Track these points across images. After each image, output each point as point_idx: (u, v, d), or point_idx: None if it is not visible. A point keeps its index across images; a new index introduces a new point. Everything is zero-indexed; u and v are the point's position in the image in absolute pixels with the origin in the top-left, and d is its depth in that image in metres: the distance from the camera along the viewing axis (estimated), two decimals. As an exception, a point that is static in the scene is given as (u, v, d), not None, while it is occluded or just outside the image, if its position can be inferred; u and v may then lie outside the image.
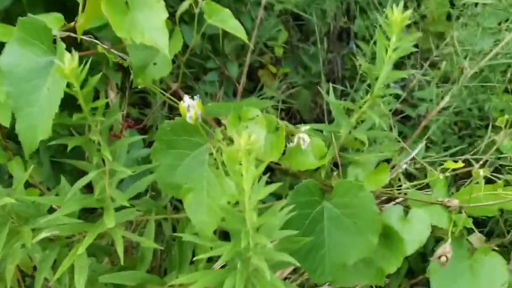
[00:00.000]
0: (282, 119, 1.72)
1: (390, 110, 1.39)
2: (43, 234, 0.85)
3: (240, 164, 0.62)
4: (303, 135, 0.80)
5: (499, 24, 1.42)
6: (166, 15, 0.68)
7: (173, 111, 1.36)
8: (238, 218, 0.68)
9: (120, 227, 1.00)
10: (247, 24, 1.58)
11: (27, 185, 1.08)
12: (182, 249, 1.04)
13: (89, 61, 0.66)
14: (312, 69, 1.69)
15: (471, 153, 1.45)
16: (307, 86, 1.81)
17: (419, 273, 1.34)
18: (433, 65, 1.64)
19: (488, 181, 0.97)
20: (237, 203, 0.68)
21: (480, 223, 1.31)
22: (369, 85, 1.55)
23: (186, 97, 0.70)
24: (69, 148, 0.71)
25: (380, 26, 0.73)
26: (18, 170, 1.01)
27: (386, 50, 0.79)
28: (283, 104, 1.64)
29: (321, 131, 0.93)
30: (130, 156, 1.21)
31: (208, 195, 0.77)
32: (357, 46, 1.74)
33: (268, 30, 1.64)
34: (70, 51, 0.71)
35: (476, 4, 1.46)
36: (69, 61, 0.63)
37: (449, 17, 1.73)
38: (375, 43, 1.60)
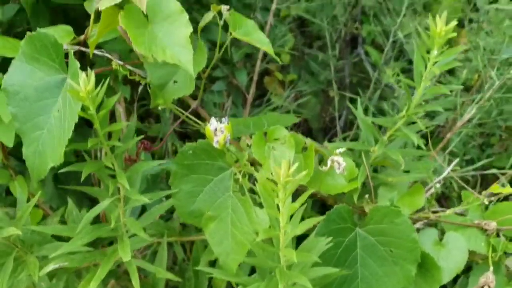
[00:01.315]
0: (291, 129, 1.65)
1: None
2: (51, 267, 0.78)
3: (277, 196, 0.55)
4: (338, 158, 0.73)
5: (523, 31, 1.36)
6: (191, 29, 0.61)
7: (184, 123, 1.30)
8: (270, 255, 0.61)
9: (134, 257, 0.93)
10: (256, 31, 1.52)
11: (30, 205, 1.01)
12: (197, 276, 0.97)
13: (107, 81, 0.59)
14: (320, 76, 1.63)
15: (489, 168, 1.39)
16: (316, 93, 1.75)
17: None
18: (448, 72, 1.59)
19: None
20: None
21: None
22: (381, 94, 1.50)
23: (213, 120, 0.63)
24: (83, 176, 0.64)
25: (419, 36, 0.67)
26: (22, 192, 0.94)
27: (425, 64, 0.73)
28: (294, 114, 1.58)
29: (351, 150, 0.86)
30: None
31: (233, 224, 0.70)
32: (365, 52, 1.68)
33: (279, 37, 1.58)
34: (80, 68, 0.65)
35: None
36: (85, 81, 0.56)
37: (458, 23, 1.68)
38: (387, 51, 1.55)
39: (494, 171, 1.23)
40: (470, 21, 1.53)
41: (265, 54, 1.56)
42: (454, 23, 0.67)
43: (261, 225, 0.67)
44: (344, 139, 1.55)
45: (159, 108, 0.69)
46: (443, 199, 1.45)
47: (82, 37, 0.77)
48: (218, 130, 0.62)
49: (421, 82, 0.74)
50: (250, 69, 1.55)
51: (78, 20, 0.93)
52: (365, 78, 1.69)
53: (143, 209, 1.00)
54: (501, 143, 1.52)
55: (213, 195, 0.72)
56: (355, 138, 1.45)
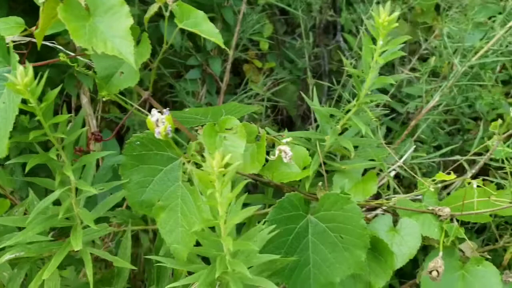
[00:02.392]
0: (268, 116, 1.66)
1: (378, 106, 1.34)
2: (7, 256, 0.79)
3: (214, 186, 0.56)
4: (285, 147, 0.74)
5: (489, 18, 1.37)
6: (131, 21, 0.61)
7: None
8: (214, 244, 0.62)
9: (97, 246, 0.94)
10: (229, 19, 1.52)
11: (-3, 195, 1.02)
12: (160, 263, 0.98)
13: (46, 73, 0.59)
14: (299, 64, 1.63)
15: (461, 153, 1.41)
16: (294, 81, 1.76)
17: (409, 276, 1.30)
18: (422, 59, 1.60)
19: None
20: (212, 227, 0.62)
21: (470, 225, 1.27)
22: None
23: (154, 111, 0.64)
24: (27, 168, 0.64)
25: (366, 28, 0.67)
26: (-16, 183, 0.95)
27: (372, 54, 0.74)
28: (269, 102, 1.59)
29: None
30: (105, 164, 1.15)
31: (182, 214, 0.72)
32: (344, 39, 1.68)
33: (251, 24, 1.57)
34: (34, 59, 0.65)
35: (466, -4, 1.41)
36: (22, 74, 0.57)
37: (437, 8, 1.69)
38: (361, 39, 1.55)
39: (458, 157, 1.25)
40: (446, 8, 1.53)
41: (243, 44, 1.56)
42: (396, 13, 0.68)
43: (209, 215, 0.68)
44: (318, 127, 1.57)
45: (103, 99, 0.70)
46: (413, 185, 1.47)
47: (33, 28, 0.77)
48: (159, 121, 0.63)
49: (369, 72, 0.75)
50: (226, 57, 1.55)
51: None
52: (344, 66, 1.69)
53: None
54: (476, 129, 1.54)
55: (163, 185, 0.73)
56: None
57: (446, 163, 1.38)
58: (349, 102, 1.47)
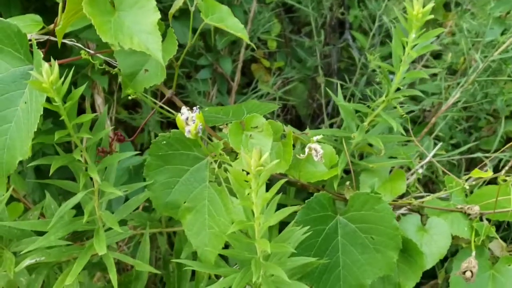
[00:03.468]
0: (278, 115, 1.64)
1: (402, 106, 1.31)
2: (27, 262, 0.77)
3: (250, 187, 0.53)
4: (315, 145, 0.72)
5: (508, 13, 1.35)
6: (158, 16, 0.59)
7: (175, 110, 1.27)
8: (247, 246, 0.60)
9: (112, 249, 0.92)
10: (239, 18, 1.50)
11: (10, 199, 0.99)
12: (180, 268, 0.96)
13: (72, 70, 0.57)
14: (308, 62, 1.61)
15: (477, 150, 1.38)
16: (303, 80, 1.73)
17: (430, 276, 1.27)
18: (433, 56, 1.57)
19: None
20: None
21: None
22: (367, 78, 1.48)
23: (184, 109, 0.61)
24: (52, 170, 0.62)
25: (392, 21, 0.65)
26: (-1, 187, 0.92)
27: (404, 48, 0.71)
28: (280, 101, 1.57)
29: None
30: (120, 165, 1.12)
31: (210, 216, 0.69)
32: (353, 37, 1.66)
33: (262, 23, 1.55)
34: (51, 57, 0.62)
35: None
36: (48, 72, 0.54)
37: (445, 5, 1.66)
38: (373, 35, 1.53)
39: (479, 154, 1.22)
40: (457, 4, 1.51)
41: (253, 42, 1.54)
42: (431, 5, 0.65)
43: (238, 216, 0.66)
44: (331, 125, 1.54)
45: (129, 97, 0.67)
46: (430, 183, 1.44)
47: (52, 26, 0.75)
48: (189, 119, 0.61)
49: (400, 66, 0.72)
50: (236, 56, 1.53)
51: (54, 9, 0.91)
52: (353, 64, 1.67)
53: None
54: (489, 126, 1.52)
55: (189, 186, 0.70)
56: (342, 125, 1.43)
57: (463, 160, 1.35)
58: (361, 100, 1.45)
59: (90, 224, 0.79)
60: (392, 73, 0.76)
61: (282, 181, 0.55)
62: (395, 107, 0.77)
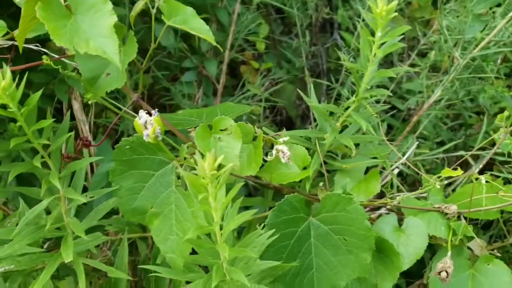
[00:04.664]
0: (267, 117, 1.63)
1: (378, 102, 1.30)
2: (-4, 271, 0.76)
3: (207, 191, 0.53)
4: (282, 147, 0.71)
5: (490, 9, 1.34)
6: (115, 18, 0.58)
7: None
8: (211, 251, 0.59)
9: (85, 254, 0.91)
10: (223, 19, 1.49)
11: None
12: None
13: (26, 75, 0.56)
14: (296, 63, 1.60)
15: (464, 148, 1.37)
16: (292, 81, 1.73)
17: (416, 275, 1.27)
18: (421, 54, 1.56)
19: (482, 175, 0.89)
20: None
21: (476, 221, 1.23)
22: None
23: (142, 113, 0.60)
24: (10, 178, 0.61)
25: (363, 19, 0.64)
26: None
27: (371, 47, 0.70)
28: (267, 103, 1.56)
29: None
30: (100, 170, 1.11)
31: (177, 221, 0.68)
32: (342, 37, 1.65)
33: (246, 24, 1.54)
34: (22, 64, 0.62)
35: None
36: (-1, 78, 0.53)
37: (434, 3, 1.66)
38: (359, 35, 1.52)
39: (462, 152, 1.21)
40: (444, 2, 1.50)
41: (239, 44, 1.53)
42: (394, 2, 0.64)
43: (203, 221, 0.65)
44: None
45: (89, 102, 0.66)
46: (417, 182, 1.43)
47: (16, 31, 0.74)
48: (148, 123, 0.60)
49: (367, 66, 0.71)
50: (222, 58, 1.52)
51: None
52: (342, 64, 1.67)
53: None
54: (480, 123, 1.51)
55: (156, 191, 0.69)
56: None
57: (450, 159, 1.34)
58: (348, 99, 1.45)
59: (62, 231, 0.78)
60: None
61: (240, 184, 0.54)
62: (365, 108, 0.76)
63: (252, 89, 1.58)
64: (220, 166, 0.53)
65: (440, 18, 1.30)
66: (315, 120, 1.56)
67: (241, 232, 0.96)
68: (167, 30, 1.32)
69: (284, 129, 0.96)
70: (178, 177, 0.69)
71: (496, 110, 1.46)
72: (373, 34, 0.69)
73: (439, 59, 1.42)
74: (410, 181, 1.45)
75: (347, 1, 1.62)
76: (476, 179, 0.74)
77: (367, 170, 0.90)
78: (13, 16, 0.99)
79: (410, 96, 1.45)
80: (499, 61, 1.44)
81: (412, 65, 1.53)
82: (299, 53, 1.62)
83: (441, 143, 1.40)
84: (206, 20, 1.52)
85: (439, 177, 0.76)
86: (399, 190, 1.22)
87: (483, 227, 1.27)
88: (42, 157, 0.64)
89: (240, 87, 1.57)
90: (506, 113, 0.80)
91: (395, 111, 1.49)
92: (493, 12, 1.30)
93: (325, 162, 0.84)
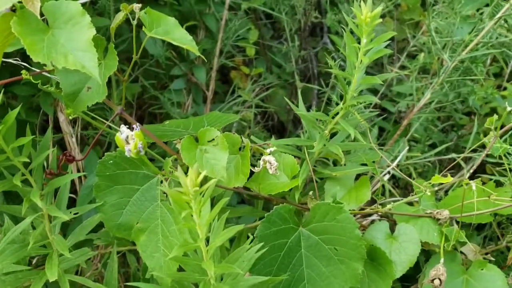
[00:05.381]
0: (258, 122, 1.62)
1: (370, 105, 1.29)
2: (-21, 291, 0.74)
3: (190, 207, 0.51)
4: (269, 157, 0.70)
5: (477, 10, 1.34)
6: (93, 32, 0.57)
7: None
8: (197, 268, 0.57)
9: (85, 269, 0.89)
10: (212, 26, 1.48)
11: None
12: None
13: (1, 92, 0.55)
14: (287, 68, 1.59)
15: (456, 150, 1.37)
16: (283, 86, 1.72)
17: (413, 279, 1.26)
18: (411, 56, 1.56)
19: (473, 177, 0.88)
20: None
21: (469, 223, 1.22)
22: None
23: (123, 127, 0.59)
24: (-10, 197, 0.59)
25: (350, 28, 0.63)
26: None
27: (357, 54, 0.69)
28: (257, 109, 1.55)
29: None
30: (87, 183, 1.09)
31: (163, 236, 0.67)
32: (332, 41, 1.65)
33: (234, 30, 1.53)
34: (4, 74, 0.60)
35: (452, -10, 1.37)
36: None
37: (423, 5, 1.66)
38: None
39: (453, 155, 1.21)
40: (434, 3, 1.50)
41: (228, 50, 1.52)
42: (379, 8, 0.63)
43: (190, 236, 0.63)
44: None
45: (70, 117, 0.65)
46: (410, 186, 1.43)
47: (-4, 46, 0.72)
48: (129, 138, 0.58)
49: (354, 73, 0.70)
50: (211, 65, 1.51)
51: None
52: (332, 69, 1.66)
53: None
54: (471, 124, 1.50)
55: (141, 206, 0.68)
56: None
57: (442, 161, 1.33)
58: (337, 104, 1.44)
59: (47, 248, 0.76)
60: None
61: (225, 200, 0.53)
62: (352, 115, 0.75)
63: (243, 95, 1.57)
64: (206, 179, 0.51)
65: (428, 20, 1.30)
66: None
67: (233, 240, 0.95)
68: (154, 38, 1.31)
69: (273, 137, 0.95)
70: (163, 192, 0.67)
71: (487, 111, 1.46)
72: (359, 41, 0.69)
73: (429, 61, 1.42)
74: (402, 185, 1.44)
75: (336, 5, 1.62)
76: (467, 184, 0.73)
77: (358, 176, 0.89)
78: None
79: (401, 99, 1.45)
80: (488, 61, 1.44)
81: (403, 67, 1.52)
82: (290, 58, 1.62)
83: (433, 146, 1.39)
84: (194, 27, 1.50)
85: (430, 183, 0.75)
86: (391, 194, 1.21)
87: (477, 228, 1.26)
88: (23, 174, 0.62)
89: (231, 93, 1.56)
90: (495, 116, 0.79)
91: (386, 113, 1.48)
92: (481, 14, 1.30)
93: (314, 170, 0.83)
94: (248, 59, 1.64)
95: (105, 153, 0.65)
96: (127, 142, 0.58)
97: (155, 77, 1.48)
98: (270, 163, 0.70)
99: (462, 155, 1.11)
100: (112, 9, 1.19)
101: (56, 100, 1.09)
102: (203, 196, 0.51)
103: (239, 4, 1.54)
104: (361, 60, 0.67)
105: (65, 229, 1.02)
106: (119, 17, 0.65)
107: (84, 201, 1.04)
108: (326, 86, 1.51)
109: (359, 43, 0.69)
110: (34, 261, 0.95)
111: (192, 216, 0.52)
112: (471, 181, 0.73)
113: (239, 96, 1.54)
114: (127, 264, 1.11)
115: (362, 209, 0.86)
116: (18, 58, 0.73)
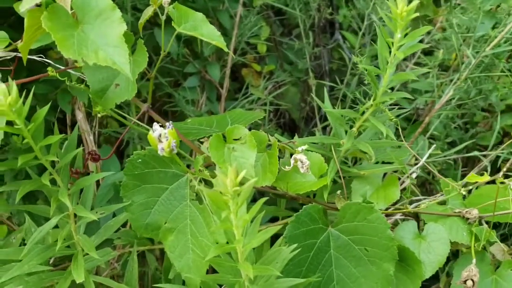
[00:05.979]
0: (271, 120, 1.60)
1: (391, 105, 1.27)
2: (4, 293, 0.72)
3: (228, 208, 0.50)
4: (301, 156, 0.68)
5: (498, 6, 1.31)
6: (124, 27, 0.55)
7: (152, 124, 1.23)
8: (231, 269, 0.56)
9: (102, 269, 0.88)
10: (225, 23, 1.47)
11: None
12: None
13: (32, 90, 0.53)
14: (299, 65, 1.57)
15: (473, 147, 1.34)
16: (295, 83, 1.70)
17: (432, 278, 1.23)
18: (425, 53, 1.54)
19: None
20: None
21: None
22: (359, 79, 1.44)
23: (156, 125, 0.57)
24: (18, 197, 0.58)
25: (381, 19, 0.61)
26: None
27: (389, 49, 0.67)
28: (271, 106, 1.53)
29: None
30: (105, 183, 1.08)
31: (192, 236, 0.65)
32: (343, 37, 1.63)
33: (249, 27, 1.52)
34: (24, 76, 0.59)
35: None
36: (5, 93, 0.50)
37: (435, 0, 1.63)
38: (363, 34, 1.49)
39: (475, 153, 1.19)
40: (446, 1, 1.47)
41: (242, 47, 1.51)
42: (415, 2, 0.62)
43: (221, 236, 0.62)
44: (324, 128, 1.51)
45: (98, 115, 0.63)
46: (427, 183, 1.41)
47: (18, 42, 0.71)
48: (162, 136, 0.57)
49: (386, 69, 0.68)
50: (225, 62, 1.49)
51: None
52: (345, 65, 1.64)
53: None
54: (485, 121, 1.48)
55: (170, 205, 0.66)
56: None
57: (462, 159, 1.31)
58: (353, 101, 1.42)
59: (71, 248, 0.75)
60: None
61: (263, 200, 0.51)
62: (383, 111, 0.73)
63: (255, 93, 1.55)
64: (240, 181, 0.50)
65: (449, 15, 1.28)
66: (320, 122, 1.54)
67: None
68: (170, 35, 1.30)
69: (293, 135, 0.93)
70: (193, 191, 0.66)
71: (502, 108, 1.43)
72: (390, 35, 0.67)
73: (447, 57, 1.40)
74: (420, 182, 1.42)
75: (350, 1, 1.60)
76: (502, 183, 0.71)
77: (384, 175, 0.87)
78: (13, 26, 0.96)
79: (417, 96, 1.43)
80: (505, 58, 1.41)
81: (417, 64, 1.50)
82: (301, 55, 1.60)
83: (452, 143, 1.37)
84: (208, 24, 1.49)
85: (464, 183, 0.73)
86: (411, 192, 1.20)
87: (493, 227, 1.24)
88: (50, 173, 0.61)
89: (241, 91, 1.55)
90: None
91: (400, 111, 1.46)
92: (502, 9, 1.28)
93: (341, 169, 0.81)
94: (259, 56, 1.62)
95: (134, 152, 0.64)
96: (160, 141, 0.57)
97: (168, 75, 1.47)
98: (302, 161, 0.68)
99: (484, 153, 1.09)
100: (129, 6, 1.17)
101: (73, 98, 1.08)
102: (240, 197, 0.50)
103: (251, 0, 1.52)
104: (395, 55, 0.66)
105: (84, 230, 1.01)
106: (148, 12, 0.63)
107: (102, 200, 1.02)
108: (341, 83, 1.49)
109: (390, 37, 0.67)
110: (51, 261, 0.94)
111: (229, 217, 0.50)
112: (505, 180, 0.71)
113: (251, 93, 1.52)
114: (142, 264, 1.10)
115: (387, 208, 0.84)
116: (42, 55, 0.72)
